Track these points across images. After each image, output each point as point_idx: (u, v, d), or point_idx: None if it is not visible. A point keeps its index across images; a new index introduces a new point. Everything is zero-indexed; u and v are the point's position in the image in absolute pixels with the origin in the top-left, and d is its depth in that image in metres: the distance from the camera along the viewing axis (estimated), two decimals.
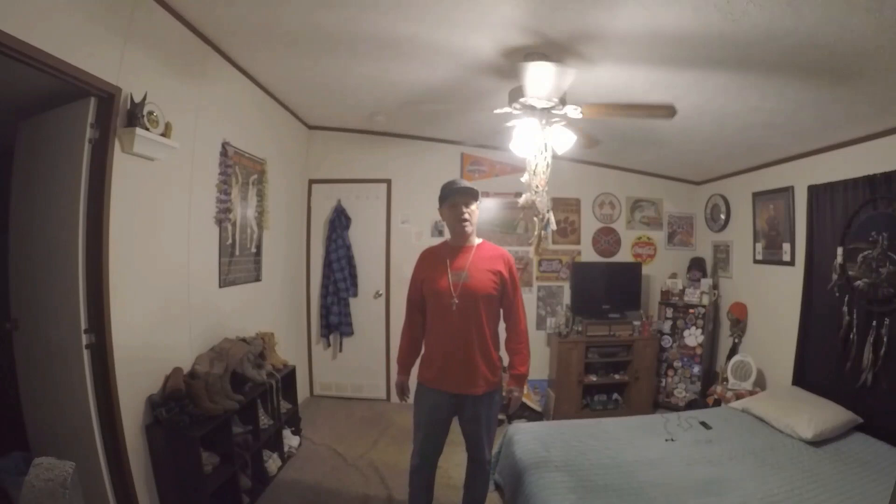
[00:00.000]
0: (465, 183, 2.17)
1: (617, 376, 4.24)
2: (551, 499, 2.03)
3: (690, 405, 4.09)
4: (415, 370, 2.32)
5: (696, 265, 4.54)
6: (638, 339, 4.23)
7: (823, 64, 2.11)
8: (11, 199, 2.25)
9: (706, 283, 4.36)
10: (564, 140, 2.49)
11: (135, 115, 2.06)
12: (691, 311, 4.28)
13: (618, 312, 4.34)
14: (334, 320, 4.40)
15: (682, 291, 4.40)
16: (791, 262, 3.51)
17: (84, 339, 1.99)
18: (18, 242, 2.25)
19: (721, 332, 4.36)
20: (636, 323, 4.31)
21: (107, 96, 1.99)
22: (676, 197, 4.78)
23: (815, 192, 3.22)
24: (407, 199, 4.48)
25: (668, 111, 2.32)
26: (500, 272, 2.16)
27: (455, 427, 2.28)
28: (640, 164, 4.54)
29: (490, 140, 4.27)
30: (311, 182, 4.53)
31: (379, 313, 4.49)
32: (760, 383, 3.65)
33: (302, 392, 4.17)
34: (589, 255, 4.65)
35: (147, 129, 2.11)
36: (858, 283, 2.79)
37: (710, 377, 4.26)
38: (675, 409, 4.11)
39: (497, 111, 2.53)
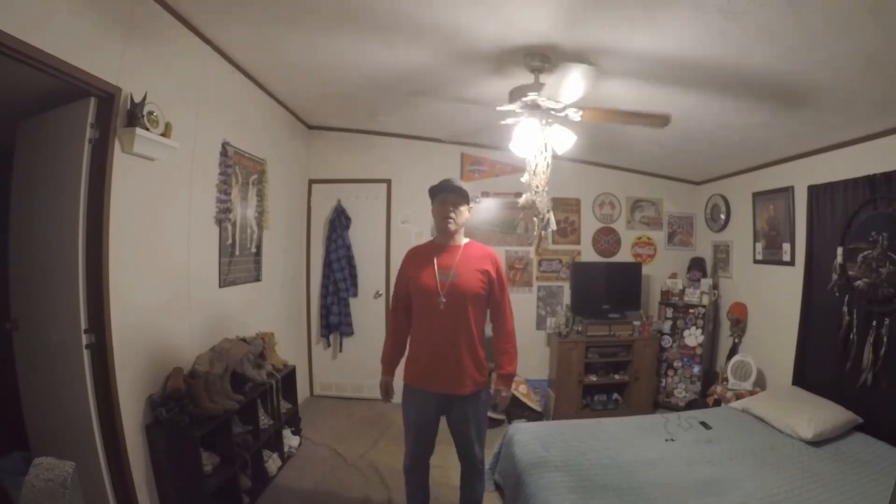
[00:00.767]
0: (459, 183, 2.16)
1: (617, 376, 4.24)
2: (551, 499, 2.03)
3: (690, 405, 4.09)
4: (401, 371, 2.31)
5: (696, 265, 4.54)
6: (638, 339, 4.23)
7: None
8: (11, 199, 2.25)
9: (706, 283, 4.36)
10: (564, 140, 2.49)
11: (135, 115, 2.06)
12: (691, 311, 4.28)
13: (618, 312, 4.34)
14: (334, 320, 4.40)
15: (682, 291, 4.40)
16: (791, 262, 3.51)
17: (84, 339, 1.99)
18: (18, 242, 2.25)
19: (721, 332, 4.36)
20: (636, 323, 4.31)
21: (107, 96, 1.99)
22: (676, 197, 4.78)
23: (815, 192, 3.22)
24: (407, 199, 4.48)
25: (663, 120, 2.34)
26: (488, 271, 2.15)
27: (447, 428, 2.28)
28: (640, 164, 4.54)
29: (490, 140, 4.26)
30: (311, 182, 4.53)
31: (379, 313, 4.49)
32: (760, 383, 3.65)
33: (302, 392, 4.17)
34: (589, 255, 4.65)
35: (147, 129, 2.11)
36: (858, 283, 2.78)
37: (710, 377, 4.26)
38: (675, 409, 4.11)
39: (500, 108, 2.52)
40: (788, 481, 2.14)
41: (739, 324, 4.02)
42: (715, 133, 3.25)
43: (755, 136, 3.21)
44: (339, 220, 4.42)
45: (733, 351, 4.03)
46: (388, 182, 4.52)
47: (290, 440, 3.29)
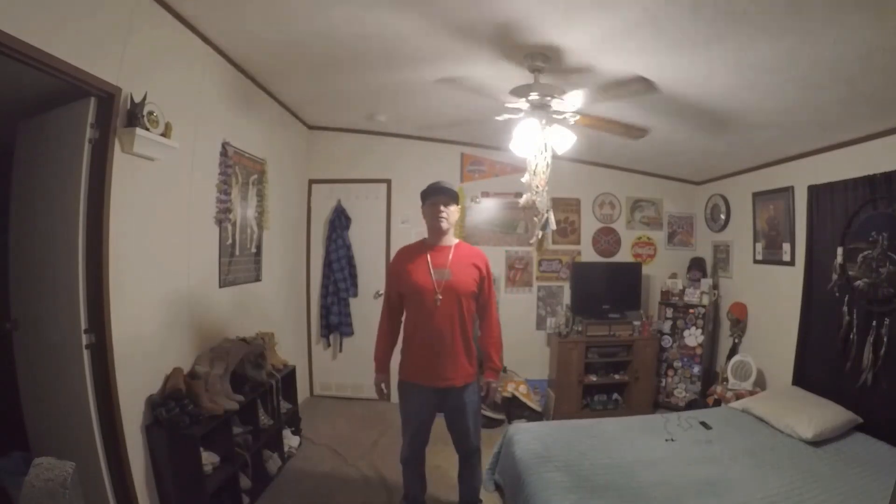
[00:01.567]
0: (448, 184, 2.26)
1: (617, 376, 4.24)
2: (551, 499, 2.02)
3: (690, 405, 4.09)
4: (395, 368, 2.38)
5: (696, 265, 4.54)
6: (638, 339, 4.23)
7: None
8: (11, 199, 2.25)
9: (706, 283, 4.36)
10: (564, 140, 2.49)
11: (135, 115, 2.06)
12: (691, 311, 4.28)
13: (618, 312, 4.34)
14: (334, 320, 4.40)
15: (682, 291, 4.40)
16: (791, 262, 3.51)
17: (84, 339, 1.99)
18: (18, 242, 2.25)
19: (721, 332, 4.36)
20: (636, 323, 4.31)
21: (107, 96, 1.99)
22: (676, 197, 4.78)
23: (815, 192, 3.21)
24: (407, 199, 4.47)
25: (641, 133, 2.38)
26: (479, 270, 2.27)
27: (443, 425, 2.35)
28: (640, 164, 4.54)
29: (490, 140, 4.27)
30: (311, 182, 4.52)
31: (379, 313, 4.47)
32: (760, 383, 3.65)
33: (302, 392, 4.17)
34: (589, 255, 4.65)
35: (147, 129, 2.11)
36: (858, 283, 2.78)
37: (710, 377, 4.26)
38: (675, 409, 4.11)
39: (498, 118, 2.54)
40: (788, 481, 2.14)
41: (739, 324, 4.02)
42: (715, 133, 3.25)
43: (755, 136, 3.21)
44: (339, 220, 4.42)
45: (733, 351, 4.03)
46: (388, 182, 4.52)
47: (290, 440, 3.29)
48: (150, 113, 2.16)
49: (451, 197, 2.23)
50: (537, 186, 2.50)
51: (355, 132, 4.47)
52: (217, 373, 2.52)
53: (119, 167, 2.05)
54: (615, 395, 4.28)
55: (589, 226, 4.67)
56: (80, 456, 1.86)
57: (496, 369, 2.38)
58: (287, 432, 3.28)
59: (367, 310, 4.50)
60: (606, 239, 4.68)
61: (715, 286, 4.38)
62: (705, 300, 4.25)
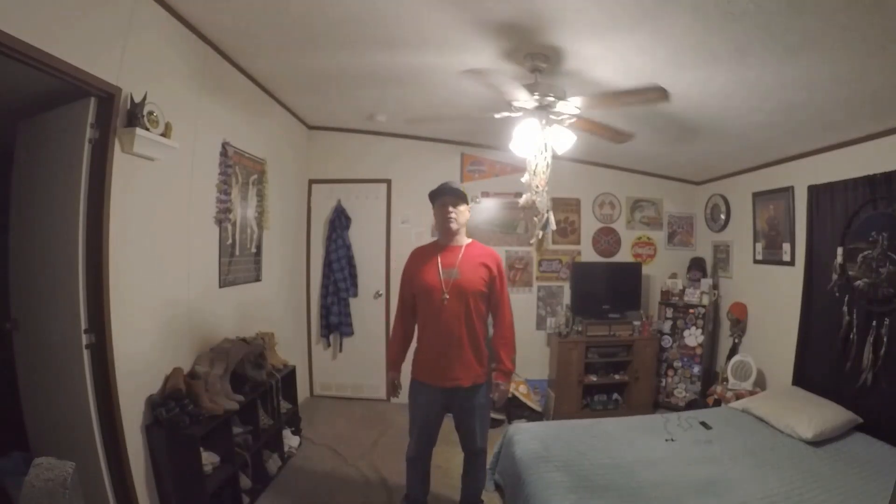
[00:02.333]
0: (455, 185, 2.26)
1: (617, 376, 4.24)
2: (551, 499, 2.03)
3: (690, 405, 4.09)
4: (408, 368, 2.39)
5: (696, 265, 4.54)
6: (638, 339, 4.23)
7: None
8: (11, 198, 2.25)
9: (706, 283, 4.36)
10: (564, 140, 2.49)
11: (135, 115, 2.06)
12: (691, 311, 4.28)
13: (618, 312, 4.34)
14: (334, 320, 4.40)
15: (682, 291, 4.40)
16: (791, 262, 3.50)
17: (84, 339, 1.99)
18: (18, 242, 2.25)
19: (721, 332, 4.36)
20: (636, 323, 4.31)
21: (107, 96, 1.99)
22: (676, 197, 4.78)
23: (815, 192, 3.21)
24: (407, 199, 4.48)
25: (660, 94, 2.32)
26: (490, 269, 2.25)
27: (451, 425, 2.33)
28: (640, 164, 4.54)
29: (490, 140, 4.27)
30: (311, 182, 4.52)
31: (379, 313, 4.49)
32: (760, 383, 3.65)
33: (302, 392, 4.17)
34: (589, 255, 4.65)
35: (147, 129, 2.11)
36: (858, 283, 2.78)
37: (710, 377, 4.26)
38: (675, 409, 4.11)
39: (498, 116, 2.53)
40: (788, 481, 2.14)
41: (739, 324, 4.02)
42: (715, 132, 3.25)
43: (755, 136, 3.21)
44: (339, 220, 4.42)
45: (733, 351, 4.03)
46: (388, 182, 4.52)
47: (290, 440, 3.29)
48: (150, 113, 2.16)
49: (460, 197, 2.24)
50: (537, 186, 2.50)
51: (355, 132, 4.47)
52: (217, 373, 2.52)
53: (119, 167, 2.05)
54: (615, 395, 4.28)
55: (589, 226, 4.67)
56: (80, 456, 1.86)
57: (506, 371, 2.34)
58: (287, 432, 3.28)
59: (367, 310, 4.50)
60: (606, 239, 4.68)
61: (715, 286, 4.38)
62: (705, 300, 4.25)
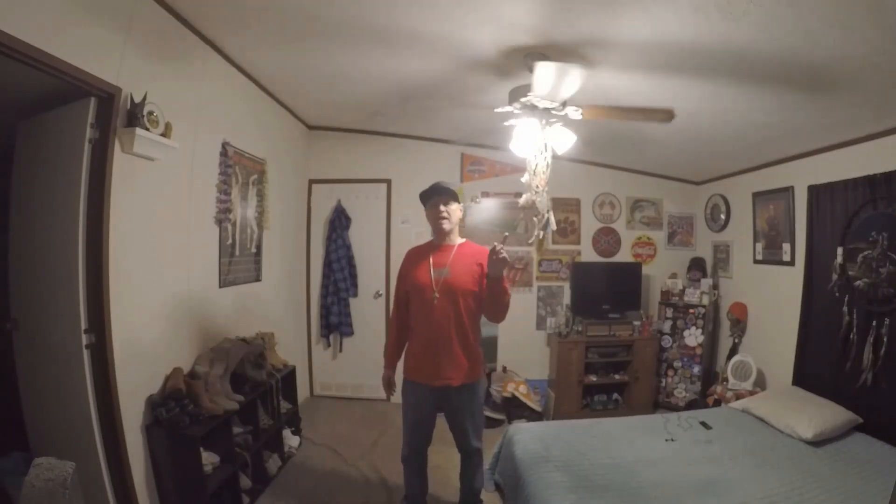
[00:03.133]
0: (445, 184, 2.26)
1: (617, 376, 4.24)
2: (551, 499, 2.03)
3: (690, 405, 4.09)
4: (401, 366, 2.40)
5: (696, 265, 4.54)
6: (638, 339, 4.23)
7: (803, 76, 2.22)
8: (11, 198, 2.25)
9: (706, 283, 4.36)
10: (564, 140, 2.49)
11: (135, 115, 2.06)
12: (691, 311, 4.28)
13: (618, 312, 4.34)
14: (334, 320, 4.40)
15: (682, 291, 4.40)
16: (791, 262, 3.51)
17: (84, 339, 1.99)
18: (18, 242, 2.25)
19: (721, 332, 4.36)
20: (636, 323, 4.31)
21: (107, 96, 1.99)
22: (676, 197, 4.78)
23: (815, 192, 3.22)
24: (407, 199, 4.47)
25: (667, 115, 2.34)
26: (481, 265, 2.23)
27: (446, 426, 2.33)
28: (640, 164, 4.55)
29: (490, 140, 4.27)
30: (311, 182, 4.53)
31: (379, 313, 4.49)
32: (760, 383, 3.65)
33: (302, 392, 4.17)
34: (589, 255, 4.65)
35: (147, 129, 2.11)
36: (858, 283, 2.78)
37: (710, 377, 4.26)
38: (675, 409, 4.11)
39: (498, 110, 2.53)
40: (788, 481, 2.14)
41: (739, 324, 4.02)
42: (715, 132, 3.25)
43: (755, 136, 3.21)
44: (339, 220, 4.42)
45: (733, 351, 4.03)
46: (388, 182, 4.52)
47: (290, 440, 3.29)
48: (150, 113, 2.16)
49: (451, 196, 2.24)
50: (537, 186, 2.50)
51: (355, 132, 4.47)
52: (217, 373, 2.52)
53: (119, 167, 2.05)
54: (615, 395, 4.28)
55: (589, 226, 4.67)
56: (80, 456, 1.86)
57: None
58: (287, 432, 3.28)
59: (367, 310, 4.50)
60: (606, 239, 4.68)
61: (715, 286, 4.38)
62: (705, 300, 4.25)
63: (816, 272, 3.17)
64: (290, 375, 3.32)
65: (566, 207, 4.61)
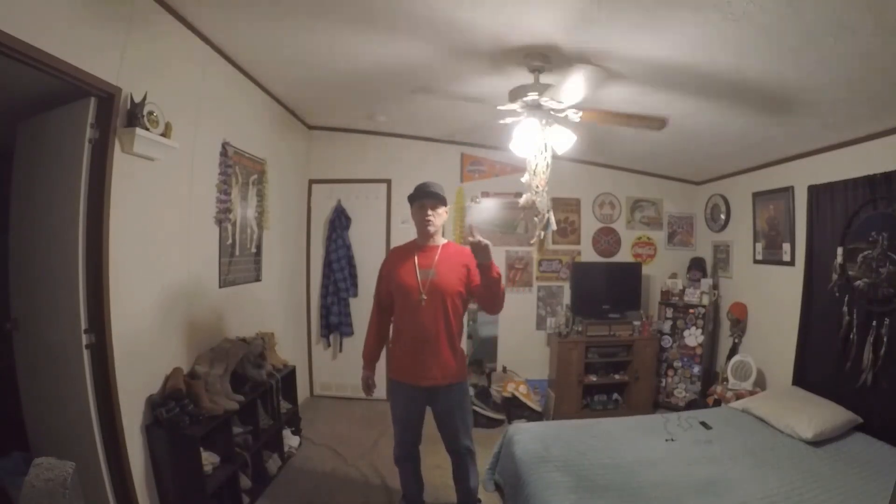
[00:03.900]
0: (434, 187, 2.27)
1: (617, 376, 4.24)
2: (551, 499, 2.02)
3: (690, 405, 4.09)
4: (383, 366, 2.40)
5: (696, 265, 4.54)
6: (638, 339, 4.23)
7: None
8: (11, 199, 2.25)
9: (706, 283, 4.36)
10: (564, 140, 2.49)
11: (135, 115, 2.06)
12: (691, 311, 4.28)
13: (618, 312, 4.34)
14: (334, 320, 4.40)
15: (682, 291, 4.40)
16: (791, 262, 3.51)
17: (84, 339, 1.99)
18: (18, 242, 2.25)
19: (721, 332, 4.36)
20: (636, 323, 4.31)
21: (107, 96, 1.99)
22: (676, 197, 4.78)
23: (815, 192, 3.21)
24: (407, 199, 4.47)
25: (660, 123, 2.36)
26: (467, 266, 2.24)
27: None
28: (640, 164, 4.55)
29: (490, 140, 4.27)
30: (311, 182, 4.53)
31: None
32: (760, 383, 3.65)
33: (302, 392, 4.17)
34: (589, 255, 4.65)
35: (147, 129, 2.11)
36: (858, 283, 2.78)
37: (710, 377, 4.26)
38: (675, 409, 4.11)
39: (500, 108, 2.53)
40: (788, 481, 2.14)
41: (739, 324, 4.02)
42: (715, 133, 3.25)
43: (755, 136, 3.21)
44: (339, 220, 4.42)
45: (733, 351, 4.03)
46: (388, 182, 4.52)
47: (290, 440, 3.29)
48: (150, 113, 2.16)
49: (439, 199, 2.25)
50: (537, 186, 2.50)
51: (355, 132, 4.47)
52: (217, 373, 2.52)
53: (119, 167, 2.05)
54: (615, 395, 4.28)
55: (589, 226, 4.67)
56: (80, 456, 1.87)
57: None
58: (287, 432, 3.28)
59: (367, 310, 4.40)
60: (606, 239, 4.68)
61: (715, 286, 4.38)
62: (705, 300, 4.25)
63: (816, 272, 3.17)
64: (290, 375, 3.32)
65: (566, 207, 4.61)
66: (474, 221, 4.50)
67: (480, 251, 2.00)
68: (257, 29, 2.53)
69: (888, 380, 2.59)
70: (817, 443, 2.51)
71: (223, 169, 2.89)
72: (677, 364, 4.32)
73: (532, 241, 2.73)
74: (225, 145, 2.90)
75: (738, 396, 3.44)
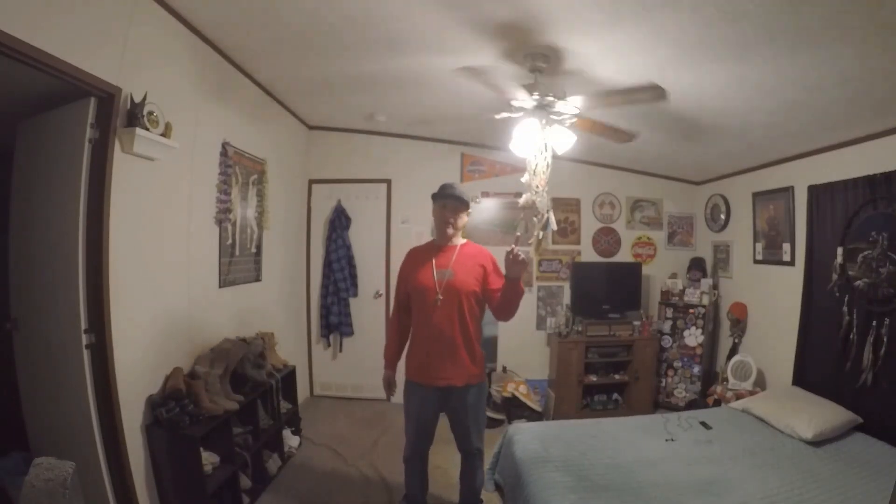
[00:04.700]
0: (462, 191, 2.26)
1: (617, 376, 4.24)
2: (551, 499, 2.02)
3: (690, 405, 4.09)
4: (402, 366, 2.40)
5: (696, 265, 4.54)
6: (638, 339, 4.23)
7: None
8: (11, 199, 2.25)
9: (706, 283, 4.36)
10: (564, 140, 2.49)
11: (135, 115, 2.06)
12: (691, 311, 4.28)
13: (618, 312, 4.34)
14: (334, 320, 4.40)
15: (682, 291, 4.40)
16: (791, 262, 3.51)
17: (84, 339, 1.99)
18: (18, 242, 2.25)
19: (721, 332, 4.36)
20: (636, 323, 4.31)
21: (107, 96, 1.99)
22: (676, 197, 4.78)
23: (815, 192, 3.21)
24: (407, 199, 4.48)
25: (657, 92, 2.33)
26: (483, 266, 2.25)
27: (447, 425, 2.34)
28: (640, 164, 4.54)
29: (490, 140, 4.27)
30: (311, 182, 4.52)
31: (379, 313, 4.49)
32: (760, 383, 3.65)
33: (302, 392, 4.17)
34: (589, 255, 4.65)
35: (147, 129, 2.11)
36: (858, 283, 2.78)
37: (710, 377, 4.26)
38: (675, 409, 4.11)
39: (498, 116, 2.53)
40: (788, 481, 2.14)
41: (739, 324, 4.02)
42: (715, 133, 3.25)
43: (755, 136, 3.21)
44: (339, 220, 4.42)
45: (733, 351, 4.03)
46: (388, 182, 4.52)
47: (290, 440, 3.29)
48: (150, 113, 2.16)
49: (461, 203, 2.25)
50: (537, 186, 2.50)
51: (355, 132, 4.47)
52: (217, 373, 2.52)
53: (119, 167, 2.05)
54: (615, 395, 4.28)
55: (589, 226, 4.67)
56: (80, 456, 1.87)
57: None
58: (287, 432, 3.28)
59: (367, 310, 4.50)
60: (606, 239, 4.68)
61: (715, 286, 4.38)
62: (705, 300, 4.25)
63: (816, 272, 3.17)
64: (290, 375, 3.32)
65: (566, 207, 4.61)
66: (474, 222, 4.50)
67: (516, 266, 1.97)
68: None
69: (888, 380, 2.59)
70: (817, 443, 2.51)
71: (223, 169, 2.89)
72: (677, 364, 4.32)
73: (530, 241, 2.73)
74: (225, 145, 2.90)
75: (738, 396, 3.44)
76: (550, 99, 2.36)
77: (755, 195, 3.90)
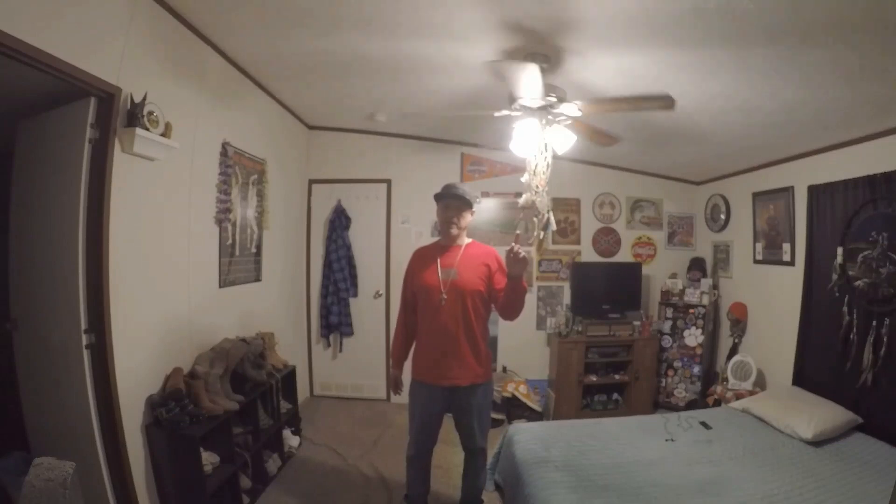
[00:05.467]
0: (464, 191, 2.25)
1: (617, 376, 4.24)
2: (551, 499, 2.03)
3: (690, 405, 4.09)
4: (409, 366, 2.40)
5: (696, 265, 4.54)
6: (638, 339, 4.23)
7: None
8: (11, 199, 2.25)
9: (706, 283, 4.36)
10: (564, 140, 2.49)
11: (135, 115, 2.06)
12: (691, 311, 4.28)
13: (618, 312, 4.34)
14: (334, 320, 4.40)
15: (682, 291, 4.40)
16: (791, 262, 3.51)
17: (84, 339, 1.99)
18: (18, 242, 2.25)
19: (721, 332, 4.36)
20: (636, 323, 4.31)
21: (107, 96, 1.99)
22: (676, 197, 4.78)
23: (815, 192, 3.22)
24: (407, 199, 4.48)
25: (667, 102, 2.33)
26: (488, 266, 2.25)
27: (451, 424, 2.33)
28: (640, 164, 4.55)
29: (490, 140, 4.26)
30: (311, 182, 4.52)
31: (379, 313, 4.49)
32: (760, 383, 3.65)
33: (302, 392, 4.17)
34: (589, 255, 4.65)
35: (147, 129, 2.11)
36: (858, 283, 2.78)
37: (710, 377, 4.26)
38: (675, 409, 4.11)
39: (497, 114, 2.53)
40: (788, 481, 2.14)
41: (739, 324, 4.02)
42: (715, 133, 3.25)
43: (755, 136, 3.21)
44: (339, 220, 4.42)
45: (733, 351, 4.03)
46: (388, 182, 4.52)
47: (290, 440, 3.29)
48: (150, 113, 2.16)
49: (464, 203, 2.24)
50: (537, 186, 2.50)
51: (355, 132, 4.46)
52: (217, 373, 2.52)
53: (119, 167, 2.05)
54: (615, 395, 4.28)
55: (589, 226, 4.67)
56: (80, 456, 1.87)
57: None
58: (287, 432, 3.28)
59: (367, 310, 4.50)
60: (606, 239, 4.68)
61: (715, 286, 4.38)
62: (705, 300, 4.25)
63: (816, 272, 3.17)
64: (290, 375, 3.32)
65: (566, 207, 4.61)
66: (474, 222, 4.50)
67: (517, 264, 1.98)
68: None
69: (888, 380, 2.59)
70: (817, 443, 2.51)
71: (223, 169, 2.89)
72: (677, 364, 4.32)
73: (530, 241, 2.73)
74: (225, 145, 2.90)
75: (738, 396, 3.44)
76: (552, 99, 2.35)
77: (755, 195, 3.90)
